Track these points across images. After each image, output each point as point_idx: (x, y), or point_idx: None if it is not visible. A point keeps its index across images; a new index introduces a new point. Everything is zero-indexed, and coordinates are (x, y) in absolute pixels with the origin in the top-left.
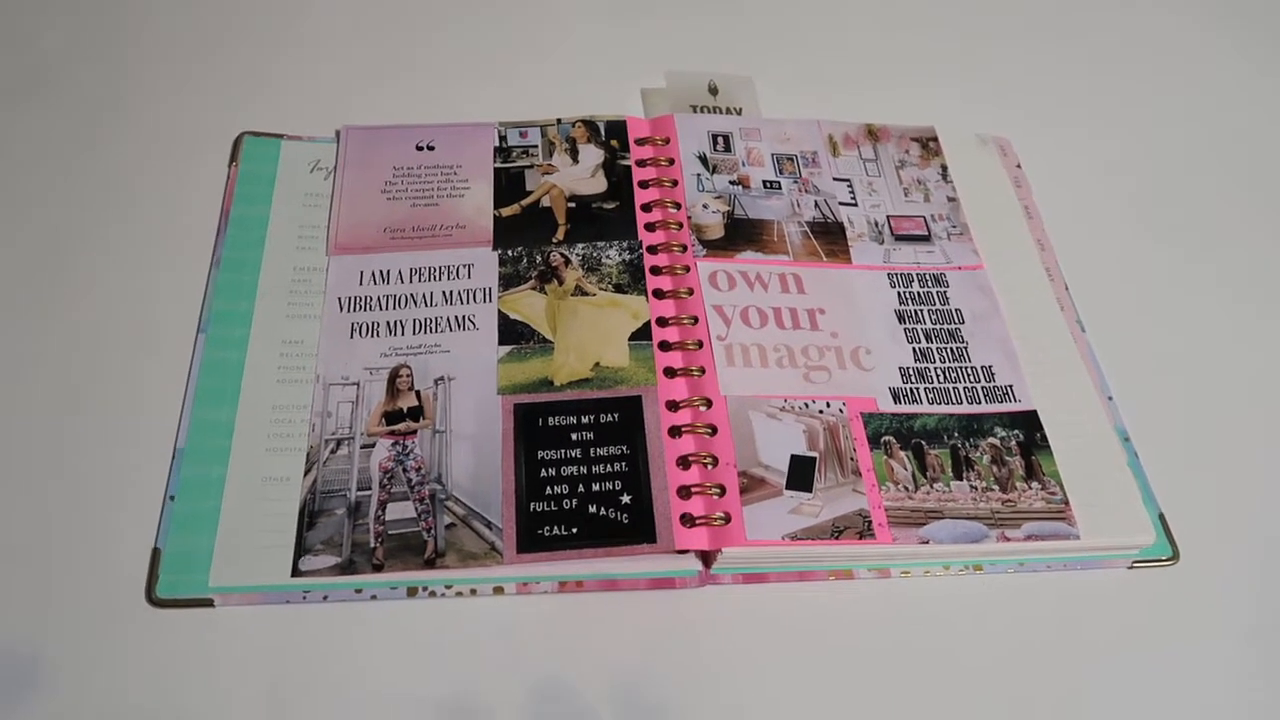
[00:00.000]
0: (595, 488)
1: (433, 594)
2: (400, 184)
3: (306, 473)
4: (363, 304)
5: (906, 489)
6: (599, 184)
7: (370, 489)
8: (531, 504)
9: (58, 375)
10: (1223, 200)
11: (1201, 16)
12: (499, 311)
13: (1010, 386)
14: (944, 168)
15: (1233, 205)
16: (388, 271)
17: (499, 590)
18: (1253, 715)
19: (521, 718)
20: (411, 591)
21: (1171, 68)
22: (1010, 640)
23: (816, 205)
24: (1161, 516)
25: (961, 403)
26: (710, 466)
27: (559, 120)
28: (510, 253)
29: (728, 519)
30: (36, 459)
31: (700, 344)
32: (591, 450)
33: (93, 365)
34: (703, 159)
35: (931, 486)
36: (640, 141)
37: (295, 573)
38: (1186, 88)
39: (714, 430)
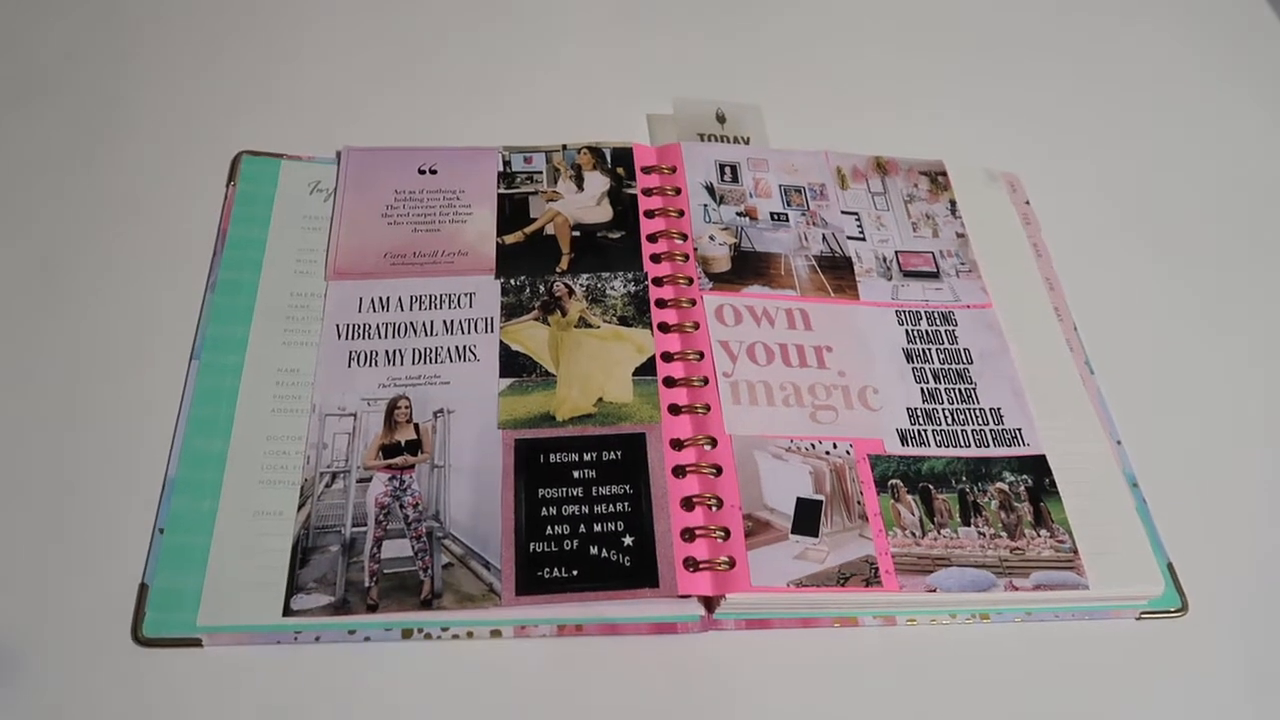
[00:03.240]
0: (597, 528)
1: (428, 636)
2: (401, 208)
3: (300, 507)
4: (361, 331)
5: (914, 534)
6: (604, 212)
7: (365, 525)
8: (531, 544)
9: (47, 399)
10: (1234, 241)
11: (1213, 56)
12: (501, 342)
13: (1019, 430)
14: (953, 203)
15: (1245, 247)
16: (387, 298)
17: (496, 633)
18: None
19: None
20: (407, 633)
21: (1182, 106)
22: (1017, 691)
23: (824, 239)
24: (1170, 566)
25: (970, 445)
26: (715, 508)
27: (564, 146)
28: (513, 281)
29: (732, 563)
30: (22, 487)
31: (706, 380)
32: (594, 489)
33: (83, 390)
34: (710, 189)
35: (939, 532)
36: (646, 170)
37: (287, 612)
38: (1197, 127)
39: (719, 470)
